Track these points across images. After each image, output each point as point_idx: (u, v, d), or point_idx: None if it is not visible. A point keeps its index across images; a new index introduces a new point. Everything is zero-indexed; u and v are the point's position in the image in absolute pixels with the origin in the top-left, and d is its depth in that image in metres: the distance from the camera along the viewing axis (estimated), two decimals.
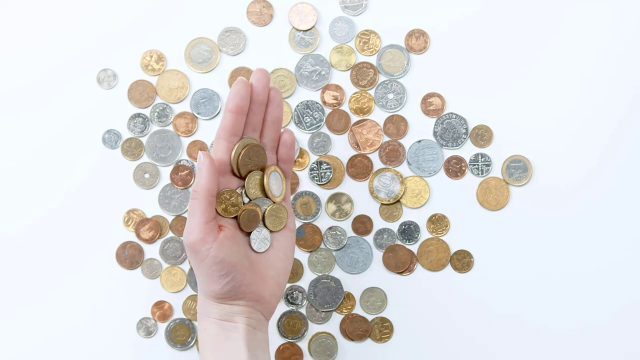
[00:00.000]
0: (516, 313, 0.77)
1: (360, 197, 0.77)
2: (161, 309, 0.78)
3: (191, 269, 0.78)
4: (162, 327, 0.78)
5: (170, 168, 0.78)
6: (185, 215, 0.78)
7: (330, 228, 0.77)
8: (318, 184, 0.77)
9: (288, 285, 0.78)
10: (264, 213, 0.64)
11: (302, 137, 0.77)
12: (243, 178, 0.63)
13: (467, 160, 0.77)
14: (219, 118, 0.78)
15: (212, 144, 0.71)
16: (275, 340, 0.77)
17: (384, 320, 0.77)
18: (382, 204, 0.77)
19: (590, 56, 0.76)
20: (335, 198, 0.77)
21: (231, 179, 0.63)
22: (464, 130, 0.77)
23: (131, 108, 0.78)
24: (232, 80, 0.77)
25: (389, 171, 0.77)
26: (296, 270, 0.77)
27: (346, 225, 0.77)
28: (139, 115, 0.78)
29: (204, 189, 0.59)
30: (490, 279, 0.77)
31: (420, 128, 0.77)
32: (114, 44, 0.78)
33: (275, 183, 0.64)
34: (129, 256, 0.78)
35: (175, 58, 0.78)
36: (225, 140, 0.62)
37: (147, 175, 0.78)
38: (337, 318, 0.78)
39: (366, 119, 0.77)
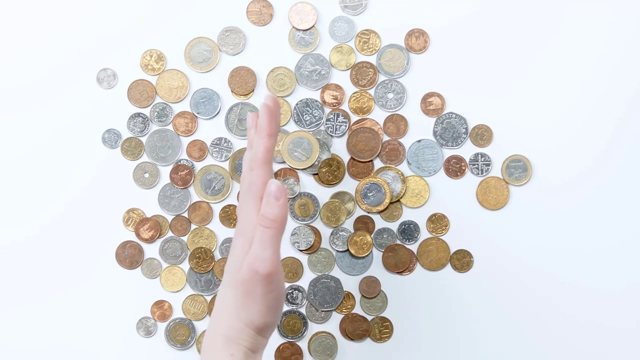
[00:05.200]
0: (516, 312, 0.77)
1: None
2: (161, 309, 0.78)
3: (191, 269, 0.78)
4: (162, 326, 0.78)
5: (170, 168, 0.78)
6: (185, 215, 0.78)
7: (337, 228, 0.77)
8: (331, 135, 0.77)
9: (288, 285, 0.78)
10: None
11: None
12: None
13: (467, 160, 0.77)
14: (219, 118, 0.78)
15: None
16: (275, 340, 0.77)
17: (383, 319, 0.77)
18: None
19: (590, 56, 0.77)
20: (338, 196, 0.77)
21: None
22: (463, 130, 0.77)
23: (131, 108, 0.78)
24: (232, 80, 0.77)
25: (391, 170, 0.77)
26: (296, 270, 0.77)
27: (347, 224, 0.77)
28: (138, 114, 0.78)
29: (284, 219, 0.57)
30: (490, 278, 0.77)
31: (420, 127, 0.77)
32: (114, 43, 0.78)
33: None
34: (129, 256, 0.78)
35: (175, 58, 0.78)
36: (270, 165, 0.60)
37: (146, 175, 0.78)
38: (337, 317, 0.78)
39: (366, 118, 0.77)
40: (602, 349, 0.76)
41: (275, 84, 0.77)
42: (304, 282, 0.77)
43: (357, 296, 0.78)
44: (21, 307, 0.78)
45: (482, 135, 0.77)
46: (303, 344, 0.78)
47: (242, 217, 0.60)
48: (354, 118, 0.77)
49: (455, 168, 0.77)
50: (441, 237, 0.77)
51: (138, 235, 0.78)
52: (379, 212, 0.77)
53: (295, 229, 0.77)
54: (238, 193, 0.78)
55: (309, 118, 0.77)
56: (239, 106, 0.78)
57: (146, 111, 0.78)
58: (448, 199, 0.77)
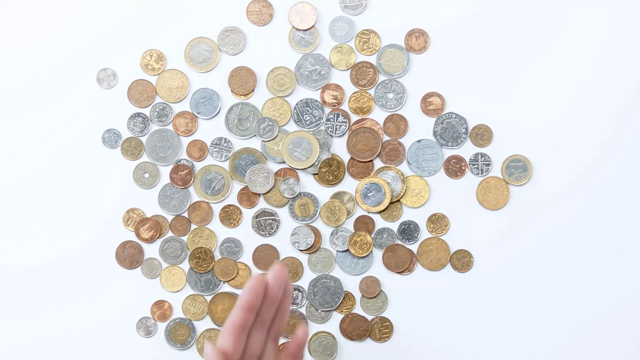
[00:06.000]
0: (515, 312, 0.77)
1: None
2: (161, 309, 0.78)
3: (191, 269, 0.78)
4: (162, 326, 0.78)
5: (170, 167, 0.78)
6: (185, 215, 0.78)
7: (337, 228, 0.77)
8: (331, 135, 0.77)
9: None
10: None
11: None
12: None
13: (467, 160, 0.77)
14: (219, 117, 0.78)
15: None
16: None
17: (383, 319, 0.77)
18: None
19: (590, 56, 0.77)
20: (338, 196, 0.77)
21: None
22: (463, 130, 0.77)
23: (131, 107, 0.78)
24: (232, 80, 0.77)
25: (391, 170, 0.77)
26: (296, 270, 0.77)
27: (347, 224, 0.77)
28: (138, 114, 0.78)
29: None
30: (489, 278, 0.77)
31: (420, 127, 0.77)
32: (114, 43, 0.78)
33: None
34: (129, 256, 0.78)
35: (175, 57, 0.78)
36: (233, 337, 0.57)
37: (146, 175, 0.78)
38: (336, 317, 0.78)
39: (366, 118, 0.77)
40: (603, 347, 0.76)
41: (275, 84, 0.77)
42: (304, 282, 0.77)
43: (357, 296, 0.78)
44: (21, 307, 0.78)
45: (482, 135, 0.77)
46: None
47: None
48: (354, 118, 0.77)
49: (455, 168, 0.77)
50: (441, 237, 0.77)
51: (138, 235, 0.78)
52: (379, 212, 0.77)
53: (295, 229, 0.77)
54: (238, 194, 0.78)
55: (309, 118, 0.77)
56: (239, 106, 0.78)
57: (146, 111, 0.78)
58: (448, 199, 0.77)
